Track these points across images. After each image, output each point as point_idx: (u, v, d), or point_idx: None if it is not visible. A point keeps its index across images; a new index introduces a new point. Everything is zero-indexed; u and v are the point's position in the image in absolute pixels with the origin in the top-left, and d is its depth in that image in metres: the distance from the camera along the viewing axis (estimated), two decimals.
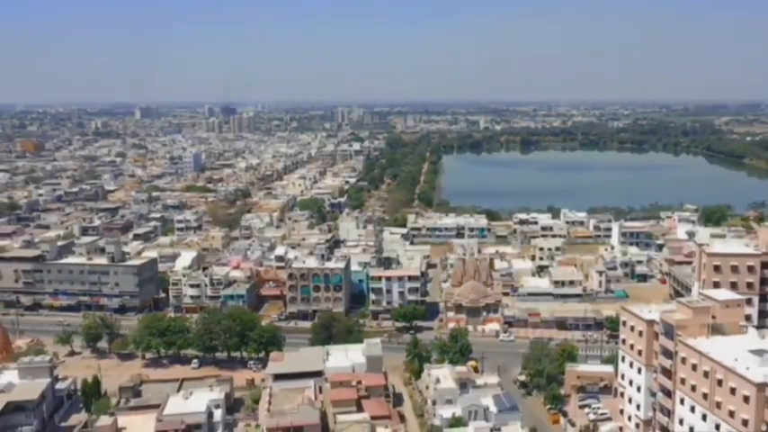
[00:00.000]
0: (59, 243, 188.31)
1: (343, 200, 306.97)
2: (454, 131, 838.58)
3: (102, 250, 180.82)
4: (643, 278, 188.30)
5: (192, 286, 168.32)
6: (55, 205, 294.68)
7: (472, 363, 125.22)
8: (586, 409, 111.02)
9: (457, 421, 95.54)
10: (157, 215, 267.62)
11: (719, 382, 77.81)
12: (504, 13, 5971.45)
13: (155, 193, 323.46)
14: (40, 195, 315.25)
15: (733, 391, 75.78)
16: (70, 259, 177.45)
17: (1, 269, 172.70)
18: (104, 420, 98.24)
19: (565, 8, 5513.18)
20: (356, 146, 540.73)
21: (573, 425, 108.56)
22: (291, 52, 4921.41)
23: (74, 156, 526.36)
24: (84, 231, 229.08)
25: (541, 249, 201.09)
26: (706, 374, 79.99)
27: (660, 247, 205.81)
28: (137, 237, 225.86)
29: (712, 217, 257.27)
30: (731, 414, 76.09)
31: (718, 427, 78.53)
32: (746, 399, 73.89)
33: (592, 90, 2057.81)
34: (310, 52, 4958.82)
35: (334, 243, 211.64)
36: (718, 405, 78.12)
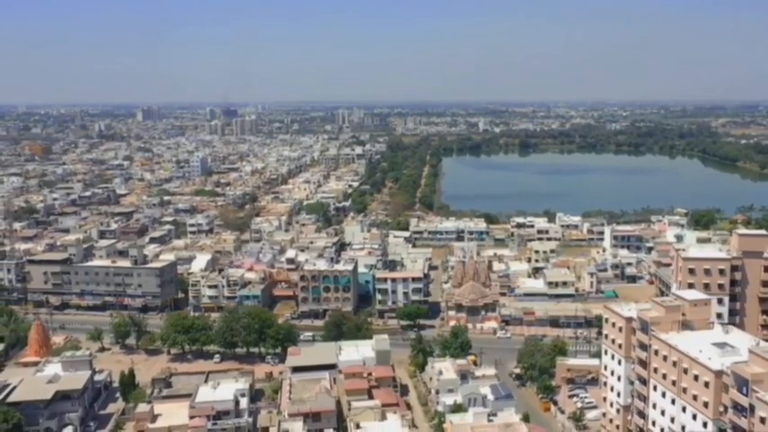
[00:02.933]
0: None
1: (347, 204, 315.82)
2: (454, 134, 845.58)
3: (120, 253, 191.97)
4: (632, 279, 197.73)
5: (210, 287, 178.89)
6: (70, 209, 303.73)
7: (471, 357, 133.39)
8: (575, 399, 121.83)
9: (458, 408, 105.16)
10: (170, 219, 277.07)
11: (685, 371, 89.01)
12: (504, 13, 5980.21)
13: (165, 197, 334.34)
14: (55, 199, 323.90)
15: (696, 378, 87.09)
16: (93, 262, 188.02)
17: (31, 271, 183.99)
18: (142, 407, 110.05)
19: (564, 9, 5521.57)
20: (358, 149, 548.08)
21: (562, 412, 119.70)
22: (291, 53, 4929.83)
23: (82, 159, 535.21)
24: (102, 235, 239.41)
25: (537, 252, 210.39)
26: (675, 364, 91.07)
27: (650, 250, 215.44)
28: (153, 240, 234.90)
29: (701, 220, 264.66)
30: (695, 398, 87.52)
31: (684, 409, 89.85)
32: (707, 384, 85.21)
33: (591, 90, 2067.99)
34: (310, 53, 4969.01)
35: (341, 246, 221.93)
36: (685, 390, 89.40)
